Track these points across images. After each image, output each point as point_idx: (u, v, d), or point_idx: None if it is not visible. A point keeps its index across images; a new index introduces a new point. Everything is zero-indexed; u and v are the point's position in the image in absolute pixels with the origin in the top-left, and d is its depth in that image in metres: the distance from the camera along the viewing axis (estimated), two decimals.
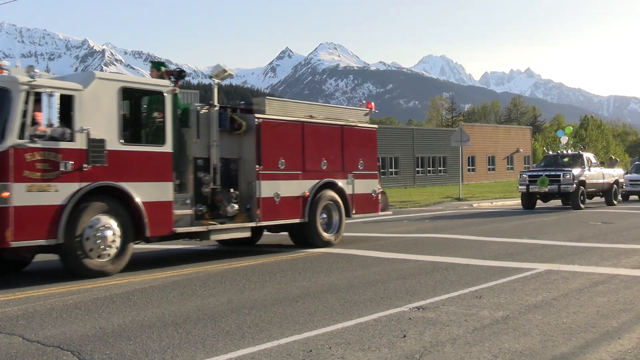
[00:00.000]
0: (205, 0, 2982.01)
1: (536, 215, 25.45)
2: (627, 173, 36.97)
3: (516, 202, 32.81)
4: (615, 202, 31.53)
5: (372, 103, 17.73)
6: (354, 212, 16.30)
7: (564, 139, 34.82)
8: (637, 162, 39.18)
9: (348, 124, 16.40)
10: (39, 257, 13.64)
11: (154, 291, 9.95)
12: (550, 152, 32.93)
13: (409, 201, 36.92)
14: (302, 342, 6.91)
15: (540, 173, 28.85)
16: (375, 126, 17.99)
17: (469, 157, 72.92)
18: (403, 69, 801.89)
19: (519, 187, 29.51)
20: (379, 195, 17.14)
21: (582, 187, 28.49)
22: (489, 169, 77.80)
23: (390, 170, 63.23)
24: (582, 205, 28.29)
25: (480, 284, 10.11)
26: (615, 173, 32.49)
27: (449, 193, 44.77)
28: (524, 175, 29.67)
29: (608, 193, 31.51)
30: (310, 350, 6.58)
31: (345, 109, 17.39)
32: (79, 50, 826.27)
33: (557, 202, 31.47)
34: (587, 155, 30.98)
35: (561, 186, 27.93)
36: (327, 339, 7.00)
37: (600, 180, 30.60)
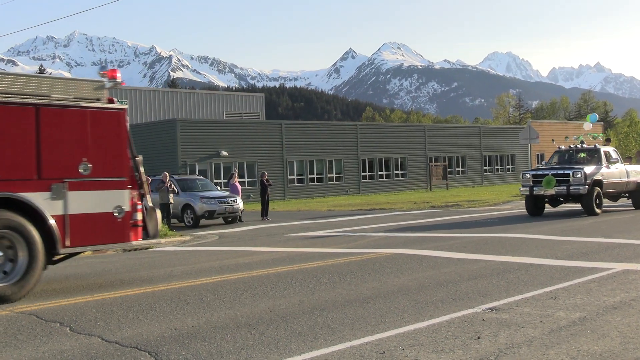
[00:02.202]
0: (269, 3, 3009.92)
1: (611, 213, 24.72)
2: None
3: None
4: None
5: (118, 72, 11.61)
6: (68, 243, 10.53)
7: (588, 126, 30.15)
8: None
9: (52, 102, 10.64)
10: (118, 262, 13.98)
11: (225, 292, 10.08)
12: (562, 147, 27.35)
13: (477, 200, 36.44)
14: (374, 343, 6.88)
15: (545, 172, 24.42)
16: (123, 106, 11.67)
17: (537, 154, 71.55)
18: (468, 67, 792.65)
19: (521, 189, 25.15)
20: (135, 215, 11.33)
21: (597, 188, 23.89)
22: None
23: (457, 169, 62.59)
24: (597, 210, 23.68)
25: (554, 285, 9.89)
26: None
27: (518, 192, 43.97)
28: (527, 175, 24.97)
29: (635, 194, 26.41)
30: (384, 352, 6.55)
31: (52, 79, 11.19)
32: (147, 56, 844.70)
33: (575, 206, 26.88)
34: (606, 149, 25.82)
35: (571, 187, 23.46)
36: (400, 341, 6.95)
37: (624, 179, 25.60)
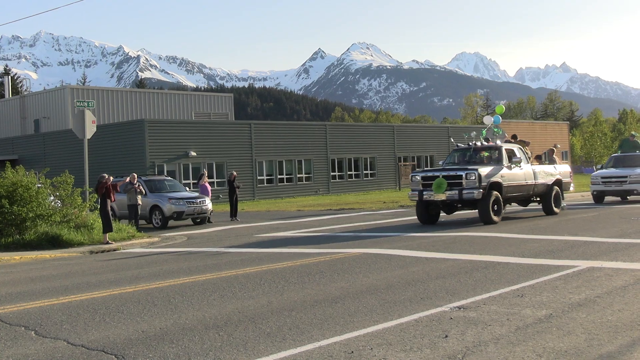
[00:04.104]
0: (237, 3, 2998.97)
1: (576, 212, 25.00)
2: (601, 168, 31.05)
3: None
4: (557, 209, 23.58)
5: None
6: None
7: (488, 119, 25.89)
8: (615, 155, 31.64)
9: None
10: (85, 264, 13.87)
11: (194, 294, 10.02)
12: (460, 145, 23.81)
13: None
14: (343, 343, 6.89)
15: (436, 173, 21.31)
16: None
17: None
18: (436, 67, 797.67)
19: (410, 193, 21.93)
20: None
21: (495, 192, 20.71)
22: None
23: (426, 168, 62.91)
24: (495, 218, 20.54)
25: (521, 283, 9.99)
26: (556, 170, 24.41)
27: None
28: (417, 177, 21.63)
29: (545, 198, 23.46)
30: (352, 352, 6.56)
31: None
32: (114, 56, 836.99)
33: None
34: (509, 147, 22.47)
35: (464, 191, 20.29)
36: (369, 340, 6.97)
37: (530, 182, 22.50)
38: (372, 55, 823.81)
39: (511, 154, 21.97)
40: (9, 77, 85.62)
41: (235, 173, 31.22)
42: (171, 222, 27.28)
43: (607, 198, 29.62)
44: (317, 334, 7.31)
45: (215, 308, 8.90)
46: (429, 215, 21.64)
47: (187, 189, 32.98)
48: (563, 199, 24.41)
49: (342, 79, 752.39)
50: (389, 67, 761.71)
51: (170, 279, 11.78)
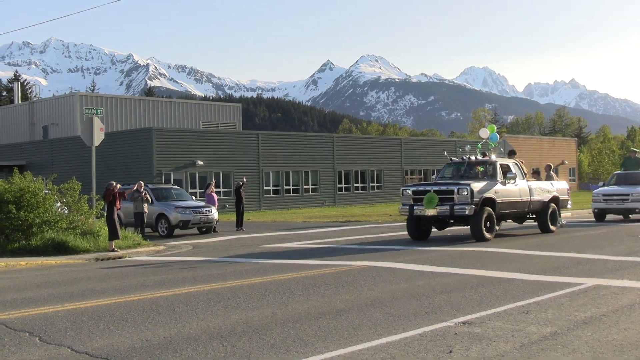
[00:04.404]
0: (247, 13, 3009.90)
1: (583, 228, 24.93)
2: (603, 185, 30.28)
3: (566, 215, 32.03)
4: (553, 227, 22.85)
5: None
6: None
7: (484, 132, 24.93)
8: (618, 173, 31.13)
9: None
10: (90, 271, 13.88)
11: (198, 303, 10.02)
12: (454, 159, 23.05)
13: None
14: (347, 356, 6.88)
15: (427, 188, 20.67)
16: None
17: None
18: (445, 81, 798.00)
19: (401, 208, 21.23)
20: None
21: (488, 209, 20.05)
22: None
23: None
24: (488, 235, 19.93)
25: (526, 299, 9.95)
26: (553, 187, 23.67)
27: None
28: (408, 191, 21.02)
29: (541, 215, 22.74)
30: None
31: None
32: (124, 64, 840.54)
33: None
34: (504, 162, 21.95)
35: (455, 207, 19.67)
36: (372, 354, 6.96)
37: (525, 198, 21.82)
38: (380, 68, 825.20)
39: (506, 170, 21.43)
40: (19, 83, 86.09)
41: (245, 179, 31.45)
42: (177, 231, 27.31)
43: (609, 216, 29.07)
44: (321, 346, 7.29)
45: (220, 318, 8.89)
46: (420, 230, 21.10)
47: (194, 197, 33.02)
48: (560, 216, 23.78)
49: (350, 91, 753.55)
50: (397, 80, 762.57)
51: (175, 288, 11.78)
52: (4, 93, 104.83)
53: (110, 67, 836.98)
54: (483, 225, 19.81)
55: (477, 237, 19.87)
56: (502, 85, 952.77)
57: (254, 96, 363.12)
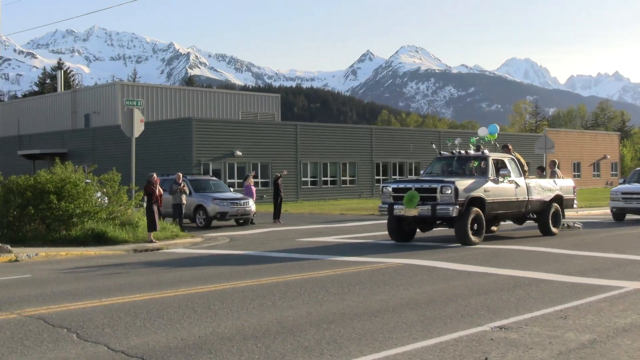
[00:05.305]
0: (288, 3, 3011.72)
1: (624, 227, 24.46)
2: (623, 182, 28.26)
3: (603, 212, 31.46)
4: (555, 229, 20.90)
5: None
6: None
7: (483, 131, 23.15)
8: (639, 170, 29.15)
9: None
10: (128, 264, 14.01)
11: (233, 301, 10.05)
12: (443, 153, 21.07)
13: None
14: None
15: (408, 185, 18.97)
16: None
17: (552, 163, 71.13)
18: (485, 72, 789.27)
19: (380, 206, 19.62)
20: None
21: (476, 209, 18.13)
22: (574, 176, 75.74)
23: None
24: (474, 239, 18.04)
25: (565, 303, 9.79)
26: (556, 185, 21.65)
27: None
28: (388, 189, 19.33)
29: (542, 216, 20.83)
30: None
31: None
32: (165, 53, 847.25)
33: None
34: (499, 157, 19.92)
35: (437, 207, 17.84)
36: (407, 359, 6.90)
37: (522, 197, 19.82)
38: (420, 59, 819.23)
39: (501, 165, 19.43)
40: (62, 71, 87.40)
41: (285, 172, 31.60)
42: (214, 222, 27.49)
43: (628, 216, 27.15)
44: (355, 350, 7.26)
45: (255, 317, 8.91)
46: (402, 231, 19.36)
47: (231, 189, 33.22)
48: (564, 217, 22.01)
49: (389, 82, 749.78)
50: (437, 71, 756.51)
51: (210, 283, 11.84)
52: (48, 80, 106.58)
53: (151, 56, 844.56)
54: (469, 228, 17.95)
55: (462, 240, 18.03)
56: (543, 77, 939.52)
57: (293, 86, 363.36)
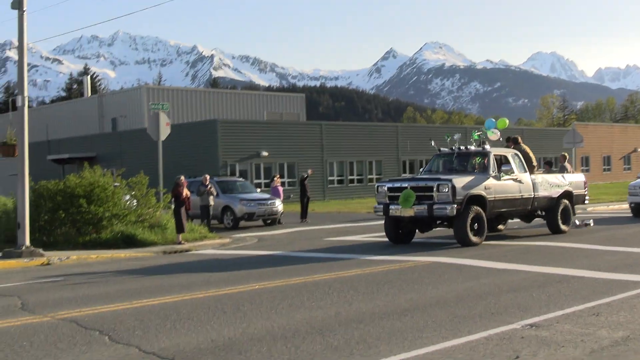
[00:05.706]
0: (309, 4, 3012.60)
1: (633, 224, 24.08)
2: None
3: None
4: (564, 227, 19.83)
5: None
6: None
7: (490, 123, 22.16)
8: None
9: None
10: (157, 266, 14.09)
11: (262, 302, 10.08)
12: (443, 149, 20.07)
13: None
14: None
15: (404, 184, 18.19)
16: None
17: (582, 158, 70.39)
18: (511, 67, 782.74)
19: (375, 207, 18.72)
20: None
21: (476, 208, 17.19)
22: (604, 170, 74.88)
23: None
24: (474, 239, 17.09)
25: (596, 300, 9.68)
26: (565, 181, 20.58)
27: None
28: (383, 188, 18.49)
29: (550, 213, 19.78)
30: None
31: None
32: (189, 55, 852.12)
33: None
34: (501, 152, 19.06)
35: (434, 206, 16.95)
36: (437, 358, 6.87)
37: (527, 194, 18.81)
38: (444, 55, 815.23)
39: (503, 161, 18.50)
40: (89, 76, 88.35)
41: (310, 172, 31.60)
42: (242, 223, 27.61)
43: None
44: (385, 349, 7.24)
45: (284, 318, 8.93)
46: (399, 233, 18.54)
47: (258, 189, 33.32)
48: (574, 214, 20.87)
49: (414, 79, 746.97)
50: (462, 67, 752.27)
51: (239, 284, 11.89)
52: (75, 86, 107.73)
53: (175, 59, 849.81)
54: (469, 228, 17.05)
55: (461, 241, 17.14)
56: (570, 70, 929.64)
57: (317, 85, 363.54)
